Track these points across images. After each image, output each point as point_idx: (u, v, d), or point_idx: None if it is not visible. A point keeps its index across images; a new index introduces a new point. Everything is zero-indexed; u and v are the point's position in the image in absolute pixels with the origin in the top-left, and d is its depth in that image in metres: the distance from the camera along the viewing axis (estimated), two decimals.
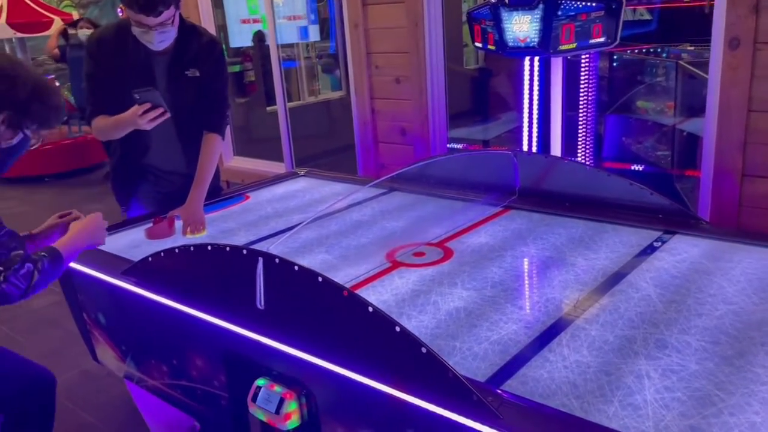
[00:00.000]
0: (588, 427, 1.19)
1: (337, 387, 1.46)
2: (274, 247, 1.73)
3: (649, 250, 2.00)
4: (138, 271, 1.97)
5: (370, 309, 1.34)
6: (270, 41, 4.98)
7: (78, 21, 6.70)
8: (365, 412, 1.44)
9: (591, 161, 3.19)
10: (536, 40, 2.53)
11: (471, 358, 1.46)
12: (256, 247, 1.63)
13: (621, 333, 1.53)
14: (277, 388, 1.55)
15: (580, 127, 3.12)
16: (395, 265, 2.03)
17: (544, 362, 1.42)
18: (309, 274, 1.43)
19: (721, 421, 1.20)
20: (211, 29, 5.33)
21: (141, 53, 2.38)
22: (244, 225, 2.52)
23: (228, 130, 2.76)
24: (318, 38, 7.26)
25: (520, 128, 3.01)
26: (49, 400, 2.06)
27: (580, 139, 3.13)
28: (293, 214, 2.60)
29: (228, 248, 1.63)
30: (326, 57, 7.61)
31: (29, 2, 7.58)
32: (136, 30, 2.28)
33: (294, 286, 1.50)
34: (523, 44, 2.57)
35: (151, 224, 2.41)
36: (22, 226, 1.98)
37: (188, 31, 2.45)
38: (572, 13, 2.45)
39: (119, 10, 7.25)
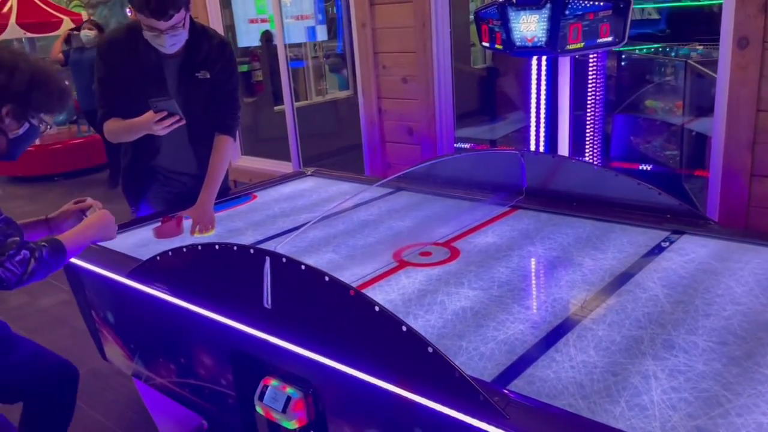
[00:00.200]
0: (595, 428, 1.19)
1: (344, 386, 1.46)
2: (281, 247, 1.73)
3: (657, 250, 1.99)
4: (146, 269, 1.98)
5: (377, 308, 1.34)
6: (278, 41, 4.99)
7: (82, 24, 6.75)
8: (372, 411, 1.44)
9: (599, 161, 3.18)
10: (544, 39, 2.52)
11: (477, 358, 1.46)
12: (263, 246, 1.63)
13: (628, 333, 1.52)
14: (284, 387, 1.55)
15: (587, 126, 3.11)
16: (402, 264, 2.03)
17: (550, 362, 1.42)
18: (316, 274, 1.44)
19: (729, 422, 1.20)
20: (219, 29, 5.35)
21: (152, 55, 2.39)
22: (252, 224, 2.52)
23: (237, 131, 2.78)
24: (326, 38, 7.27)
25: (527, 128, 3.00)
26: (71, 391, 2.08)
27: (587, 138, 3.12)
28: (300, 214, 2.60)
29: (235, 247, 1.64)
30: (333, 56, 7.62)
31: (39, 2, 7.63)
32: (147, 34, 2.28)
33: (301, 286, 1.50)
34: (530, 44, 2.56)
35: (159, 223, 2.42)
36: None
37: (199, 33, 2.46)
38: (580, 13, 2.45)
39: (128, 10, 7.29)
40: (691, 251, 1.97)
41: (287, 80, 4.99)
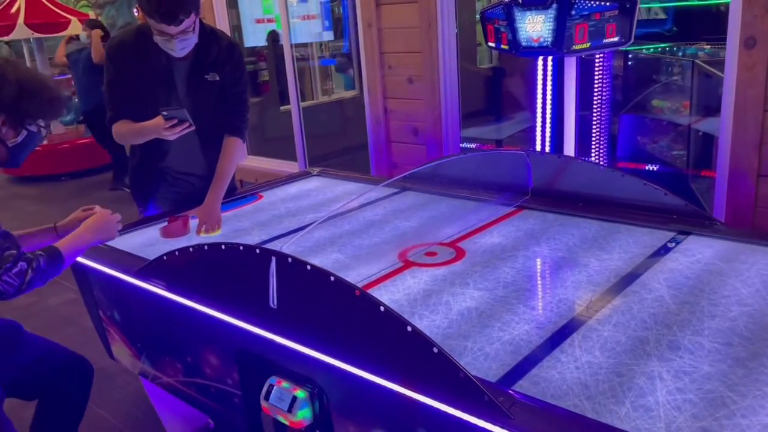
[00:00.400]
0: (599, 428, 1.19)
1: (349, 386, 1.47)
2: (286, 247, 1.74)
3: (663, 251, 1.99)
4: (153, 269, 1.99)
5: (382, 308, 1.34)
6: (284, 41, 5.00)
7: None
8: (377, 411, 1.45)
9: (605, 161, 3.18)
10: (550, 39, 2.52)
11: (482, 358, 1.47)
12: (269, 246, 1.64)
13: (633, 334, 1.52)
14: (290, 387, 1.56)
15: (593, 126, 3.11)
16: (407, 264, 2.03)
17: (555, 363, 1.42)
18: (321, 274, 1.44)
19: (734, 423, 1.19)
20: (226, 29, 5.36)
21: (161, 58, 2.40)
22: (258, 224, 2.53)
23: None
24: (332, 38, 7.28)
25: (533, 128, 3.00)
26: (86, 386, 2.10)
27: (593, 138, 3.12)
28: (306, 214, 2.61)
29: (241, 247, 1.65)
30: (340, 56, 7.63)
31: (46, 3, 7.66)
32: (157, 38, 2.29)
33: (306, 286, 1.51)
34: (536, 44, 2.56)
35: (166, 223, 2.43)
36: (40, 225, 2.01)
37: (208, 35, 2.47)
38: (586, 13, 2.44)
39: (135, 10, 7.31)
40: (698, 252, 1.96)
41: (293, 80, 5.00)
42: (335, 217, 2.47)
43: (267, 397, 1.59)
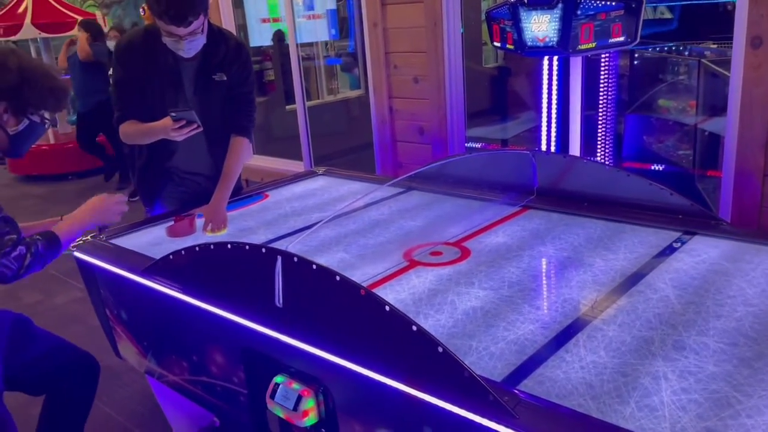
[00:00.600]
0: (604, 428, 1.19)
1: (355, 385, 1.47)
2: (292, 246, 1.75)
3: (668, 250, 1.99)
4: (159, 268, 2.00)
5: (387, 308, 1.35)
6: (290, 40, 5.01)
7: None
8: (382, 410, 1.45)
9: (610, 161, 3.17)
10: (555, 39, 2.51)
11: (487, 358, 1.47)
12: (274, 245, 1.65)
13: (638, 334, 1.52)
14: (296, 386, 1.57)
15: (599, 126, 3.11)
16: (412, 264, 2.03)
17: (560, 362, 1.43)
18: (327, 273, 1.45)
19: (739, 423, 1.19)
20: (232, 29, 5.38)
21: (169, 58, 2.41)
22: (263, 223, 2.54)
23: None
24: (337, 37, 7.29)
25: (538, 127, 3.00)
26: (92, 383, 2.12)
27: (599, 138, 3.11)
28: (312, 213, 2.62)
29: (247, 246, 1.65)
30: (345, 56, 7.64)
31: (53, 3, 7.69)
32: (166, 39, 2.30)
33: (312, 285, 1.51)
34: (542, 44, 2.56)
35: (172, 222, 2.44)
36: None
37: (216, 35, 2.48)
38: (591, 13, 2.44)
39: (141, 10, 7.34)
40: (703, 252, 1.96)
41: (299, 79, 5.01)
42: (341, 216, 2.48)
43: (273, 396, 1.60)
